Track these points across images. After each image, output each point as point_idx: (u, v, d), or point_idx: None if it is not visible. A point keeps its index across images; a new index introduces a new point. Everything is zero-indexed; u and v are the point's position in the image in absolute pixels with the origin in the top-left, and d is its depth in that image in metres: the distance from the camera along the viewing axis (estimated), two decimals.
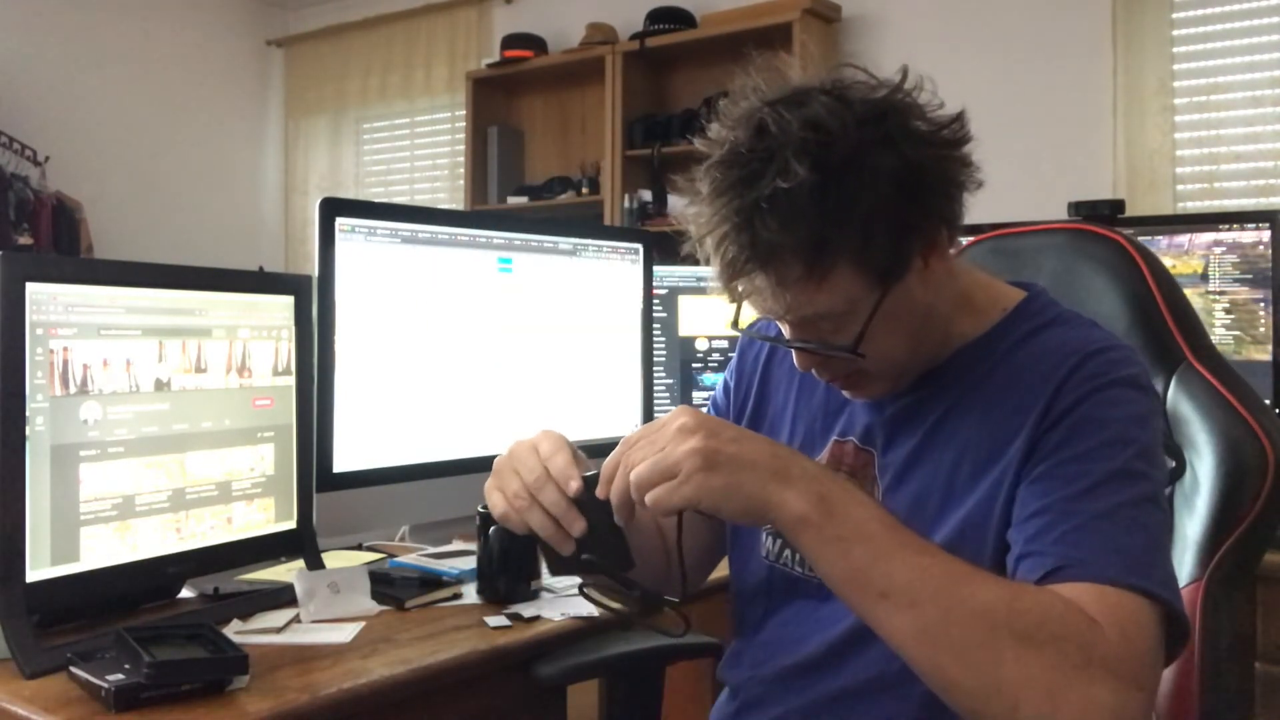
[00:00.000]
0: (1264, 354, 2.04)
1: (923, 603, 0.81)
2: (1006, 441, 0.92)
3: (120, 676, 1.00)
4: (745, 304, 0.94)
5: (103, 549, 1.16)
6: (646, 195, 3.88)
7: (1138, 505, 0.86)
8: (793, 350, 0.98)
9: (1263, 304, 2.05)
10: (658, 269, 2.12)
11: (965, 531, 0.92)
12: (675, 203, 3.80)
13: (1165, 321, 1.11)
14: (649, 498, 0.85)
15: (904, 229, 0.88)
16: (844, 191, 0.84)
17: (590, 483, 0.91)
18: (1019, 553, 0.87)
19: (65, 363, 1.13)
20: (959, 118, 0.92)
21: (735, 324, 1.00)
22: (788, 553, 1.05)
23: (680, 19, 3.83)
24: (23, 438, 1.08)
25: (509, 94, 4.44)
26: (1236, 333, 2.07)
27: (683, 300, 2.35)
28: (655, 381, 2.17)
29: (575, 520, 0.90)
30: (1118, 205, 2.28)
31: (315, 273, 1.46)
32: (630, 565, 0.92)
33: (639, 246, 1.90)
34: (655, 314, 2.17)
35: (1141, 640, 0.81)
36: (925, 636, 0.81)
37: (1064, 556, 0.84)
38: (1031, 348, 0.96)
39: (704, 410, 0.95)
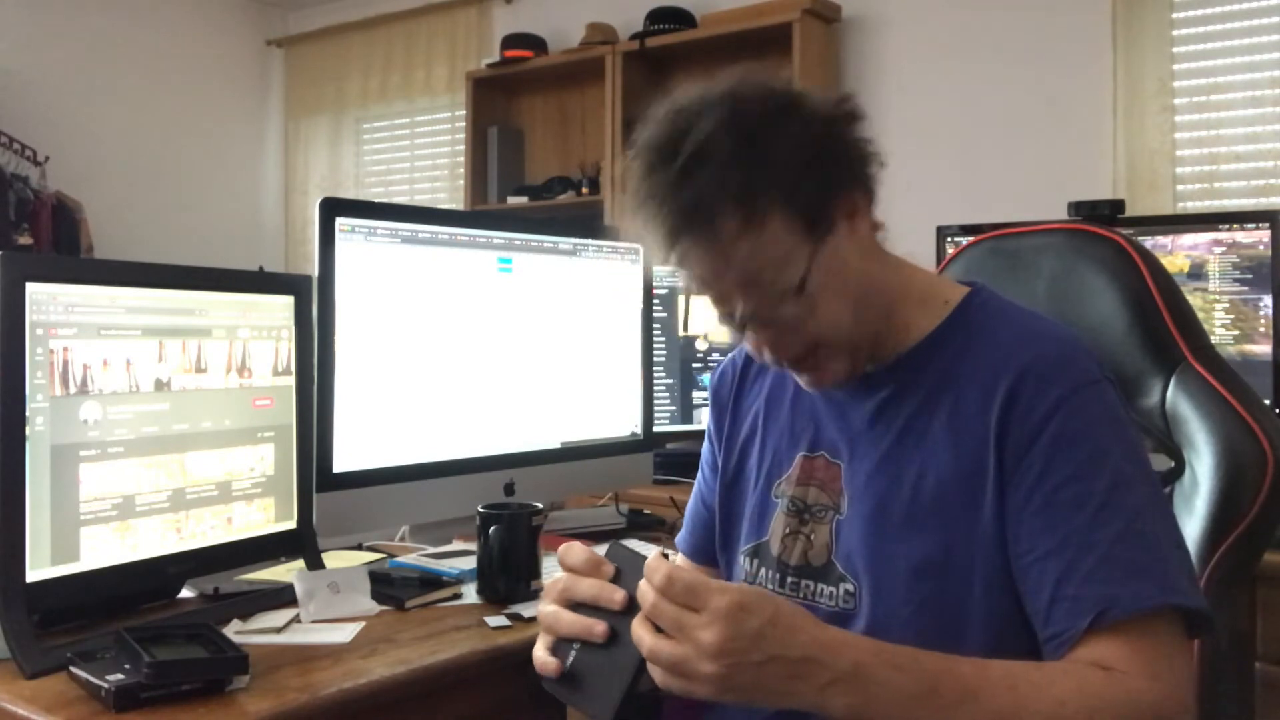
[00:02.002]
0: (1263, 354, 2.04)
1: None
2: (972, 456, 0.94)
3: (120, 676, 1.00)
4: (688, 275, 0.96)
5: (103, 549, 1.16)
6: None
7: (1141, 513, 0.89)
8: (747, 338, 0.99)
9: (1263, 304, 2.05)
10: (657, 269, 2.12)
11: (949, 558, 0.94)
12: None
13: (1164, 321, 1.11)
14: (667, 684, 0.83)
15: (824, 181, 0.93)
16: (762, 144, 0.90)
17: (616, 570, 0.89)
18: (1050, 596, 0.88)
19: (65, 363, 1.13)
20: (849, 96, 0.98)
21: (685, 326, 1.03)
22: (764, 571, 1.08)
23: (680, 19, 3.83)
24: (23, 438, 1.08)
25: (509, 94, 4.44)
26: (1236, 332, 2.07)
27: (683, 300, 2.34)
28: (655, 381, 2.17)
29: (615, 592, 0.88)
30: (1118, 205, 2.28)
31: (315, 273, 1.46)
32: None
33: (639, 246, 1.90)
34: (655, 314, 2.17)
35: (1173, 669, 0.85)
36: None
37: (1099, 599, 0.86)
38: (979, 347, 0.98)
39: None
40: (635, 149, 0.94)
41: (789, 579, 1.04)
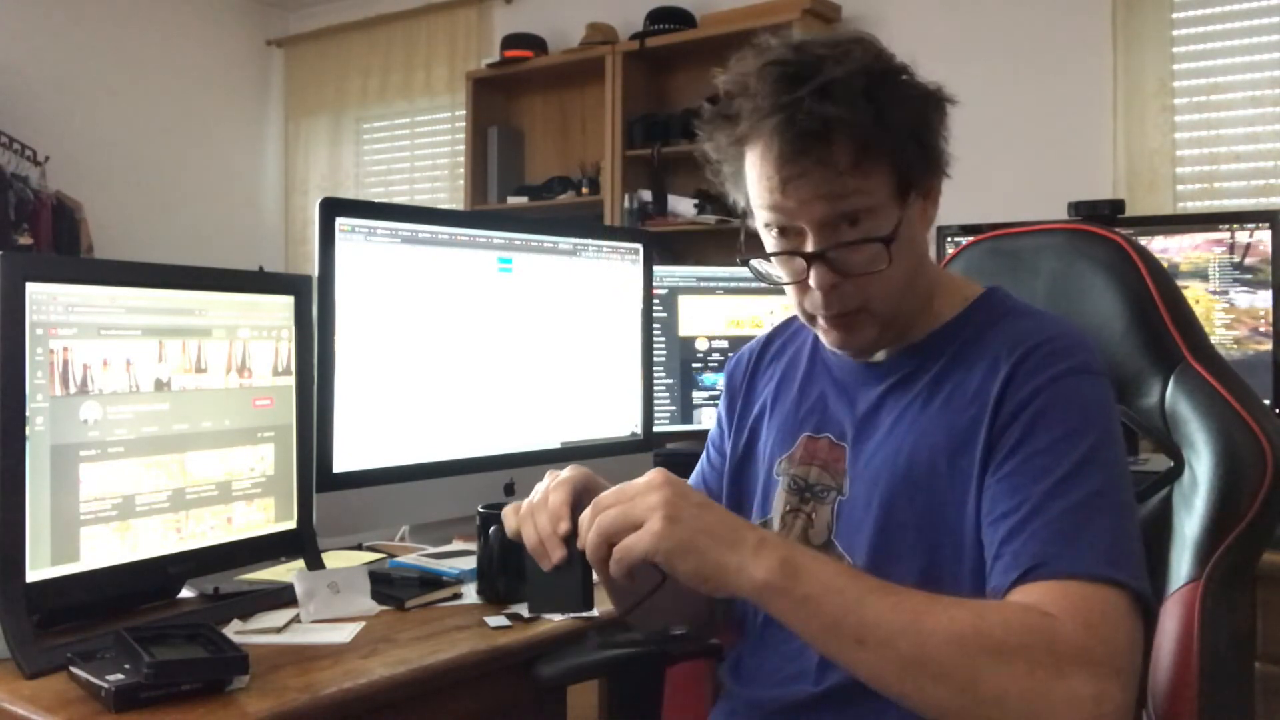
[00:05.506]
0: (1263, 354, 2.04)
1: (896, 641, 0.83)
2: (967, 430, 0.96)
3: (120, 676, 1.00)
4: (787, 195, 0.94)
5: (103, 549, 1.16)
6: (646, 195, 3.87)
7: (1102, 493, 0.90)
8: (813, 271, 0.97)
9: (1262, 304, 2.05)
10: (658, 269, 2.12)
11: (943, 534, 0.95)
12: (675, 202, 3.81)
13: (1164, 321, 1.11)
14: (616, 550, 0.88)
15: (923, 153, 0.97)
16: (887, 98, 0.93)
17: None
18: (993, 554, 0.91)
19: (65, 363, 1.13)
20: (939, 87, 1.01)
21: (742, 252, 1.04)
22: None
23: (680, 19, 3.83)
24: (23, 438, 1.09)
25: (509, 94, 4.44)
26: (1236, 332, 2.07)
27: (683, 300, 2.35)
28: (655, 381, 2.17)
29: (555, 549, 0.95)
30: (1118, 205, 2.28)
31: (315, 273, 1.46)
32: (586, 608, 0.97)
33: (639, 246, 1.90)
34: (655, 314, 2.17)
35: (1108, 627, 0.84)
36: (905, 671, 0.83)
37: (1034, 556, 0.87)
38: (988, 338, 1.00)
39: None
40: (757, 64, 0.95)
41: None
